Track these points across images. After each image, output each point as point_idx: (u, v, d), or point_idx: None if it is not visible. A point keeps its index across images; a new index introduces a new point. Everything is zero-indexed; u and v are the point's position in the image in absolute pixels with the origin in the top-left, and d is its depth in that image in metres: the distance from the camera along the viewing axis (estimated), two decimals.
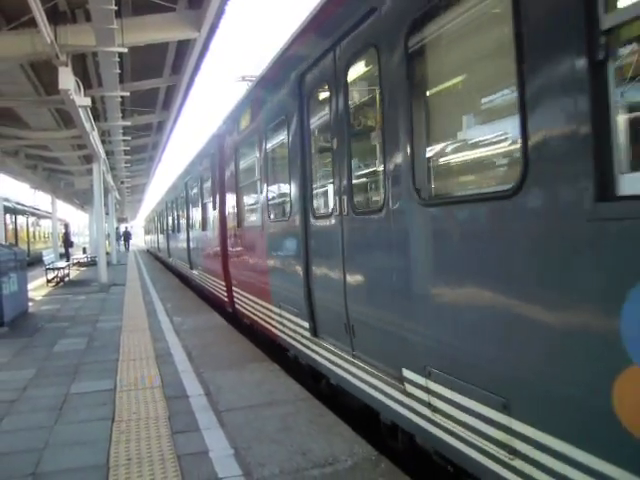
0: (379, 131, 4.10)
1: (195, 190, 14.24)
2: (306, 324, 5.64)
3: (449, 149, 3.63)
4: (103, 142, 19.26)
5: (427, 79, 3.59)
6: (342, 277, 4.64)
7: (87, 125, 14.26)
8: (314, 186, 5.49)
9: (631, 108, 2.36)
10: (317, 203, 5.46)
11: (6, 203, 26.92)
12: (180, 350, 7.74)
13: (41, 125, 18.80)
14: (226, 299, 10.31)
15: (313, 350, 5.60)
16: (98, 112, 17.13)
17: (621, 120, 2.23)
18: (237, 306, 9.50)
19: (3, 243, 14.71)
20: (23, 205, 35.66)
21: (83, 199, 40.15)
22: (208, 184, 11.90)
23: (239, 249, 8.95)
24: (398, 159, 3.67)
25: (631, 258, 2.05)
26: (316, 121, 5.41)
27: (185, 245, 16.51)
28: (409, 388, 3.63)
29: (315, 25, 5.15)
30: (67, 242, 30.54)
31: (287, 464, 3.86)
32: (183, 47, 13.39)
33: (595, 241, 2.20)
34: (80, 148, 21.58)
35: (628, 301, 2.04)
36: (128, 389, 5.89)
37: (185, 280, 18.19)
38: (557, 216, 2.38)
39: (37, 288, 17.49)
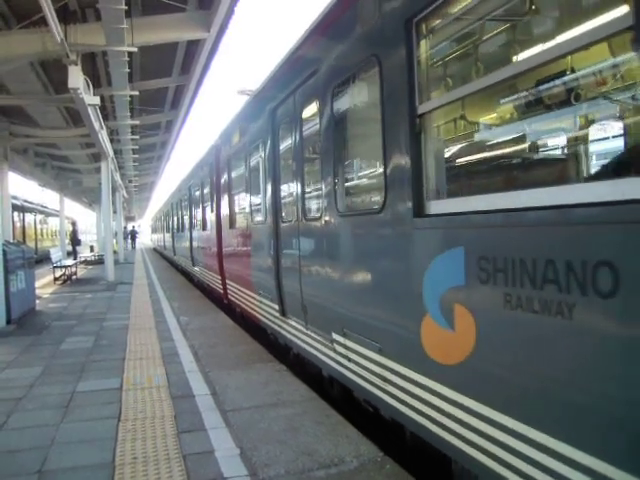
0: (318, 160, 5.45)
1: (197, 193, 15.67)
2: (277, 307, 6.99)
3: (350, 178, 5.46)
4: (112, 141, 19.37)
5: (342, 125, 5.04)
6: (298, 269, 6.01)
7: (96, 124, 14.33)
8: (282, 197, 6.94)
9: (437, 162, 3.63)
10: (284, 211, 6.84)
11: (14, 201, 27.08)
12: (186, 349, 7.75)
13: (50, 123, 18.94)
14: (222, 291, 11.75)
15: (282, 327, 7.01)
16: (107, 111, 17.22)
17: (430, 169, 3.53)
18: (230, 297, 10.93)
19: (11, 241, 14.78)
20: (31, 203, 35.86)
21: (91, 197, 40.43)
22: (207, 189, 13.41)
23: (231, 247, 10.36)
24: (329, 182, 5.06)
25: (428, 250, 3.50)
26: (283, 146, 6.87)
27: (188, 244, 17.92)
28: (337, 346, 5.01)
29: (282, 73, 6.69)
30: (75, 240, 30.65)
31: (293, 465, 3.86)
32: (192, 47, 13.44)
33: (415, 239, 3.66)
34: (89, 146, 21.70)
35: (425, 276, 3.45)
36: (134, 388, 5.90)
37: (188, 277, 19.04)
38: (398, 224, 3.83)
39: (44, 286, 17.58)
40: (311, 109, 5.67)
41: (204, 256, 14.42)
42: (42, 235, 39.19)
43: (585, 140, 4.73)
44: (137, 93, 14.44)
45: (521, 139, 4.97)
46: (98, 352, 7.76)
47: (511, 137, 5.11)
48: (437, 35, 3.80)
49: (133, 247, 53.16)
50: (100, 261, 25.63)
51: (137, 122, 17.86)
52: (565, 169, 4.79)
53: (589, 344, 2.33)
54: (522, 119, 4.64)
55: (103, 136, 16.34)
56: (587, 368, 2.36)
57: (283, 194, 6.93)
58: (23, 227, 31.98)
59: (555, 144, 5.13)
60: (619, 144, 4.28)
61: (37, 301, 12.60)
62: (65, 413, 5.14)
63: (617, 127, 4.46)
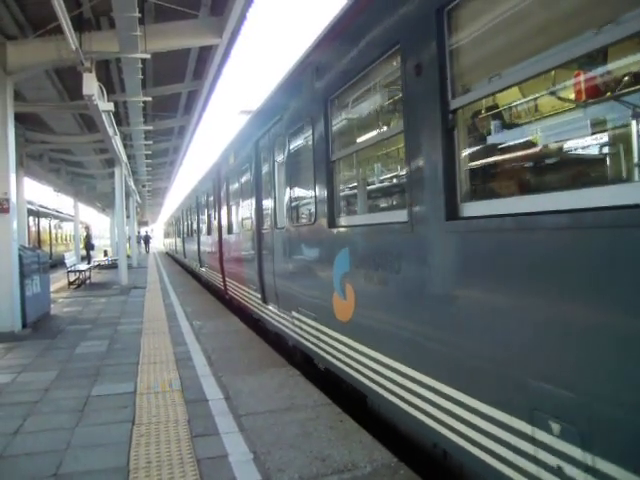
0: (275, 185, 7.97)
1: (203, 202, 17.83)
2: (259, 295, 8.93)
3: (297, 200, 7.10)
4: (125, 146, 19.52)
5: (293, 159, 7.05)
6: (272, 266, 7.93)
7: (110, 130, 14.45)
8: (262, 210, 8.98)
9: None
10: (263, 221, 8.84)
11: (29, 206, 27.38)
12: (200, 354, 7.79)
13: (65, 129, 19.13)
14: (222, 287, 13.78)
15: (263, 312, 8.94)
16: (120, 117, 17.36)
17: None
18: (229, 291, 12.91)
19: (27, 245, 14.95)
20: (46, 208, 36.23)
21: (105, 202, 40.73)
22: (211, 199, 15.53)
23: (228, 250, 12.47)
24: (273, 205, 7.88)
25: (333, 251, 5.36)
26: (263, 171, 8.89)
27: (196, 247, 19.96)
28: (295, 321, 6.92)
29: (261, 115, 8.66)
30: (88, 245, 30.94)
31: (306, 470, 3.86)
32: (205, 53, 13.51)
33: (326, 245, 5.67)
34: (102, 152, 21.86)
35: (333, 267, 5.24)
36: (148, 392, 5.94)
37: (200, 281, 20.57)
38: (321, 233, 5.94)
39: (59, 290, 17.76)
40: (279, 145, 7.60)
41: (209, 258, 16.38)
42: (57, 240, 39.58)
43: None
44: (150, 99, 14.53)
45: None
46: (112, 356, 7.83)
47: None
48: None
49: (147, 251, 55.69)
50: (114, 265, 25.83)
51: (150, 128, 17.95)
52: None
53: (401, 295, 4.13)
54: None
55: (117, 142, 16.49)
56: (401, 310, 4.16)
57: (263, 207, 8.95)
58: (38, 232, 32.33)
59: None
60: None
61: (52, 305, 12.74)
62: (80, 417, 5.19)
63: None
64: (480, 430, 3.13)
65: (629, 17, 2.30)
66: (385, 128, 4.97)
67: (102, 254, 38.78)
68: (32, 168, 23.14)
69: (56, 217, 39.77)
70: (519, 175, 3.73)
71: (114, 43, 10.19)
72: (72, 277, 19.21)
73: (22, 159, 17.77)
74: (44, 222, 35.01)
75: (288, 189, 7.12)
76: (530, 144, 3.76)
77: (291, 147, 6.99)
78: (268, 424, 4.81)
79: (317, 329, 6.03)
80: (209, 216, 16.01)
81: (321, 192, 5.69)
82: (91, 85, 10.84)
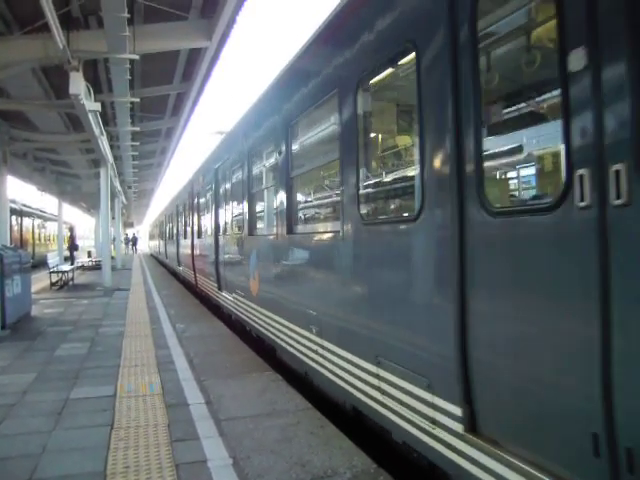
0: (222, 203, 11.31)
1: (181, 210, 20.75)
2: (216, 285, 11.60)
3: (229, 216, 10.58)
4: (111, 147, 19.38)
5: (236, 188, 9.90)
6: (223, 263, 10.79)
7: (96, 130, 14.35)
8: (218, 220, 11.72)
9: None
10: (219, 229, 11.62)
11: (12, 205, 27.03)
12: (182, 357, 7.73)
13: (50, 128, 18.94)
14: (194, 282, 16.63)
15: (219, 297, 11.57)
16: (107, 117, 17.24)
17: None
18: (198, 285, 15.57)
19: (8, 245, 14.73)
20: (29, 207, 35.80)
21: (90, 203, 40.30)
22: (187, 208, 18.33)
23: (198, 251, 15.34)
24: (224, 217, 11.05)
25: (249, 250, 8.56)
26: (222, 191, 11.55)
27: (175, 249, 22.80)
28: (235, 301, 9.39)
29: (219, 150, 11.95)
30: (72, 245, 30.53)
31: (286, 475, 3.83)
32: (194, 55, 13.50)
33: (246, 246, 8.96)
34: (88, 152, 21.69)
35: (250, 260, 8.28)
36: (128, 395, 5.87)
37: (181, 281, 21.81)
38: (240, 239, 9.34)
39: (41, 291, 17.53)
40: (225, 174, 10.97)
41: (184, 258, 19.28)
42: (40, 240, 39.10)
43: None
44: (138, 100, 14.45)
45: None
46: (93, 359, 7.73)
47: None
48: None
49: (135, 252, 56.88)
50: (97, 267, 25.57)
51: (138, 129, 17.85)
52: None
53: (283, 275, 6.70)
54: None
55: (103, 142, 16.36)
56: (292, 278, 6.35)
57: (218, 218, 11.76)
58: (21, 231, 31.91)
59: None
60: None
61: (33, 306, 12.55)
62: (58, 420, 5.11)
63: None
64: (334, 364, 4.95)
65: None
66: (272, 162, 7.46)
67: (86, 255, 38.31)
68: (16, 166, 22.87)
69: (40, 217, 39.30)
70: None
71: (102, 43, 10.13)
72: (54, 278, 18.96)
73: (5, 157, 17.55)
74: (27, 221, 34.57)
75: (230, 206, 10.50)
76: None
77: (231, 178, 10.33)
78: (249, 429, 4.77)
79: (247, 305, 8.65)
80: (185, 223, 19.00)
81: (244, 212, 8.80)
82: (78, 84, 10.77)
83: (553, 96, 2.99)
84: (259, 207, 8.58)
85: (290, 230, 6.26)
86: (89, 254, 37.59)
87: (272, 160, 7.26)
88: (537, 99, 3.63)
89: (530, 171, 3.79)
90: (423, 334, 3.50)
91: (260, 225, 8.47)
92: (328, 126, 5.52)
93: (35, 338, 9.37)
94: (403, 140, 4.97)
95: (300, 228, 6.30)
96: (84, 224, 65.52)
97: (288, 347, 6.38)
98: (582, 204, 2.30)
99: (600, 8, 2.21)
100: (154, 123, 20.40)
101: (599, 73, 2.22)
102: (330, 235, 5.23)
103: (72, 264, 24.79)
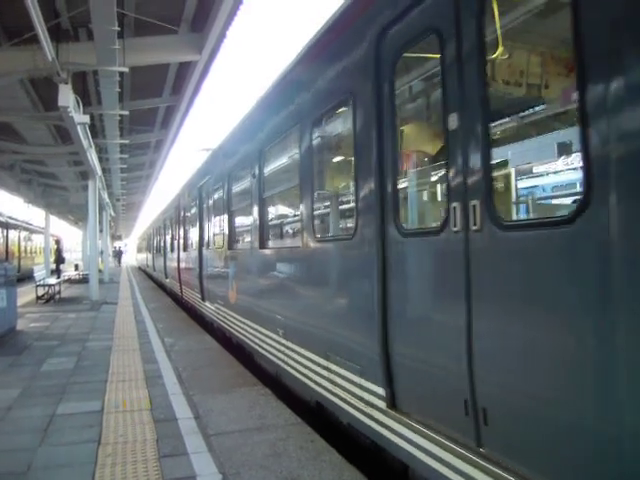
0: (205, 219, 12.18)
1: (168, 224, 21.28)
2: (200, 295, 12.49)
3: (212, 231, 11.36)
4: (100, 159, 19.30)
5: (217, 205, 10.80)
6: (206, 275, 11.67)
7: (85, 142, 14.30)
8: (203, 235, 12.30)
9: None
10: (203, 243, 12.29)
11: None
12: (170, 372, 7.65)
13: (38, 140, 18.84)
14: (180, 293, 17.37)
15: (202, 307, 12.40)
16: (96, 129, 17.19)
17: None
18: (184, 296, 16.25)
19: None
20: (15, 220, 35.45)
21: (77, 215, 40.06)
22: (174, 223, 18.90)
23: (183, 263, 16.19)
24: (208, 232, 11.74)
25: (231, 265, 9.29)
26: (205, 208, 12.27)
27: (162, 262, 23.55)
28: (217, 310, 10.29)
29: (201, 171, 12.92)
30: (59, 258, 30.22)
31: None
32: (184, 68, 13.54)
33: (227, 260, 9.71)
34: (76, 164, 21.62)
35: (230, 268, 9.17)
36: (116, 411, 5.79)
37: (170, 294, 21.52)
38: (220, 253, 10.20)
39: (26, 305, 17.30)
40: (208, 192, 11.68)
41: (171, 270, 19.92)
42: (26, 252, 38.66)
43: None
44: (127, 113, 14.44)
45: None
46: (80, 374, 7.63)
47: None
48: None
49: (119, 264, 57.79)
50: (85, 280, 25.33)
51: (126, 141, 17.83)
52: None
53: (254, 286, 7.51)
54: None
55: (92, 154, 16.29)
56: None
57: (203, 233, 12.37)
58: (6, 244, 31.55)
59: None
60: None
61: (18, 320, 12.36)
62: (44, 437, 5.02)
63: None
64: (297, 362, 5.65)
65: None
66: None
67: (73, 268, 37.93)
68: (2, 178, 22.73)
69: (26, 229, 38.91)
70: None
71: (92, 55, 10.12)
72: (41, 291, 18.73)
73: None
74: (13, 234, 34.19)
75: (212, 222, 11.24)
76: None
77: (213, 196, 11.06)
78: (238, 444, 4.72)
79: (227, 313, 9.40)
80: (172, 237, 19.58)
81: (224, 228, 9.64)
82: (67, 97, 10.74)
83: (442, 148, 3.69)
84: (237, 224, 9.36)
85: (262, 245, 7.15)
86: (76, 267, 37.22)
87: (247, 182, 7.93)
88: (433, 150, 4.44)
89: (428, 203, 4.75)
90: (358, 332, 4.30)
91: (238, 240, 9.24)
92: (292, 155, 6.20)
93: (21, 353, 9.23)
94: (345, 174, 5.48)
95: (270, 244, 7.32)
96: (71, 237, 65.10)
97: (262, 350, 7.10)
98: (455, 229, 3.11)
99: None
100: (143, 136, 20.37)
101: (468, 132, 3.04)
102: (292, 250, 6.10)
103: (58, 277, 24.54)
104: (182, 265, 16.29)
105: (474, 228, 2.95)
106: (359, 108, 4.22)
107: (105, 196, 26.02)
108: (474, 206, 2.95)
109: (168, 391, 6.58)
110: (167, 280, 21.66)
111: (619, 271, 2.18)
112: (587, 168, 2.32)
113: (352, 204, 4.54)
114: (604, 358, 2.26)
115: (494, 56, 3.60)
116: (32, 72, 11.08)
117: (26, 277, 26.24)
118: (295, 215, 6.56)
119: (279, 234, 8.09)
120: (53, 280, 21.01)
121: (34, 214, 39.96)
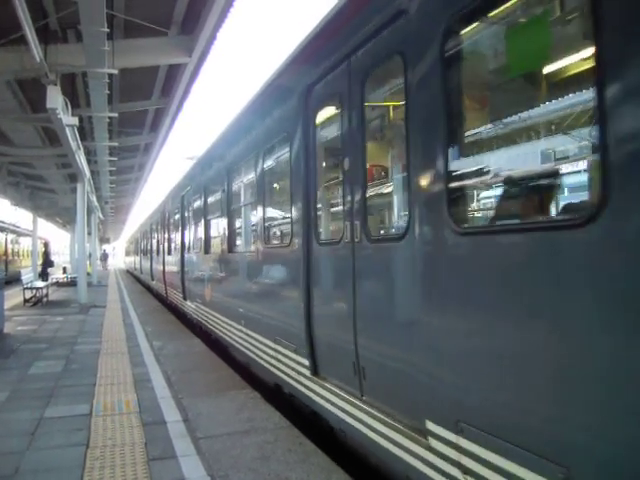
0: (186, 225, 13.54)
1: (154, 229, 22.63)
2: (181, 295, 13.63)
3: (191, 237, 12.80)
4: (89, 161, 19.16)
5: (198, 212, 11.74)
6: (187, 276, 12.94)
7: (73, 144, 14.19)
8: (186, 240, 13.36)
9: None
10: (185, 247, 13.53)
11: None
12: (159, 375, 7.62)
13: (25, 142, 18.64)
14: (164, 294, 18.53)
15: (184, 306, 13.50)
16: (85, 131, 17.07)
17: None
18: (169, 297, 17.33)
19: None
20: (2, 222, 35.10)
21: (65, 218, 39.72)
22: (160, 227, 20.13)
23: (168, 266, 17.12)
24: (188, 237, 13.10)
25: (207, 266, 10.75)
26: (186, 215, 13.44)
27: (149, 265, 24.63)
28: (197, 309, 11.54)
29: (183, 181, 14.08)
30: (47, 261, 29.91)
31: None
32: (173, 71, 13.49)
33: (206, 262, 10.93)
34: (65, 167, 21.44)
35: (207, 271, 10.65)
36: (104, 414, 5.76)
37: (158, 297, 21.42)
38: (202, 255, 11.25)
39: (14, 308, 17.14)
40: (190, 201, 12.74)
41: (157, 272, 20.96)
42: (13, 255, 38.27)
43: None
44: (116, 115, 14.36)
45: None
46: (68, 377, 7.58)
47: None
48: None
49: (105, 268, 56.75)
50: (73, 283, 25.12)
51: (116, 144, 17.70)
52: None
53: (225, 285, 9.02)
54: None
55: (80, 157, 16.17)
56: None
57: (185, 239, 13.57)
58: None
59: None
60: None
61: (5, 323, 12.25)
62: (31, 440, 4.99)
63: None
64: (257, 347, 6.79)
65: None
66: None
67: (61, 271, 37.58)
68: None
69: (13, 232, 38.52)
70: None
71: (81, 56, 10.06)
72: (28, 294, 18.57)
73: None
74: (0, 237, 33.85)
75: (193, 229, 12.39)
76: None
77: (193, 205, 12.32)
78: (226, 447, 4.72)
79: (206, 311, 10.45)
80: (158, 241, 20.78)
81: (202, 234, 10.96)
82: (55, 98, 10.67)
83: (340, 181, 4.66)
84: (212, 230, 10.53)
85: (230, 250, 8.59)
86: (64, 270, 36.89)
87: (219, 195, 9.39)
88: (337, 182, 5.20)
89: (334, 222, 5.70)
90: (293, 319, 5.44)
91: (212, 245, 10.44)
92: (250, 176, 7.48)
93: (8, 356, 9.15)
94: (285, 196, 6.23)
95: (236, 248, 8.54)
96: (60, 240, 64.59)
97: (232, 341, 8.24)
98: (346, 240, 4.34)
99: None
100: (132, 138, 20.24)
101: (353, 173, 4.26)
102: (250, 254, 7.42)
103: (44, 280, 24.33)
104: (167, 268, 17.41)
105: (356, 240, 4.18)
106: (293, 145, 5.45)
107: (94, 199, 25.83)
108: (356, 225, 4.17)
109: (157, 394, 6.56)
110: (153, 282, 22.71)
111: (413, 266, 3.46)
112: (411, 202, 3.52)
113: (289, 219, 5.72)
114: (421, 316, 3.37)
115: (372, 117, 4.79)
116: (19, 73, 11.00)
117: (14, 280, 25.97)
118: (253, 225, 7.40)
119: (242, 241, 8.44)
120: (41, 283, 20.84)
121: (22, 217, 39.64)
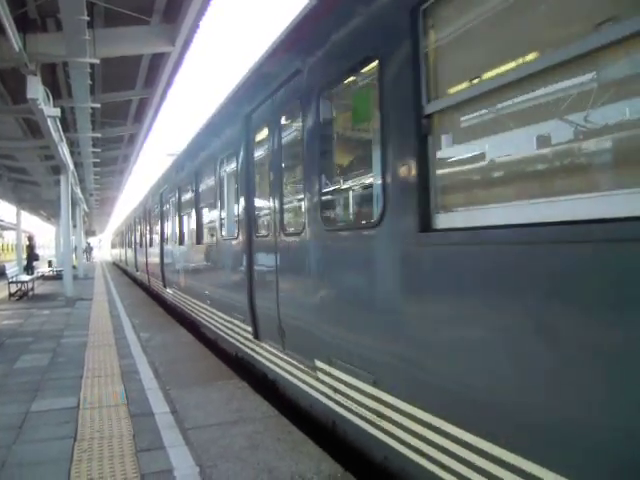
0: (165, 219, 15.03)
1: (137, 222, 23.88)
2: (162, 283, 15.05)
3: (171, 229, 14.04)
4: (72, 153, 18.91)
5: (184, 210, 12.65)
6: (167, 266, 14.42)
7: (56, 136, 14.00)
8: (165, 233, 14.79)
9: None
10: (164, 239, 14.87)
11: None
12: (146, 366, 7.60)
13: (6, 134, 18.32)
14: (147, 283, 20.05)
15: (164, 294, 15.12)
16: (67, 122, 16.83)
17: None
18: (151, 285, 18.77)
19: None
20: None
21: (50, 211, 39.25)
22: (142, 220, 21.42)
23: (150, 257, 18.45)
24: (167, 229, 14.64)
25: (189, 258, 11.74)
26: (165, 210, 14.95)
27: (133, 256, 26.10)
28: (176, 296, 13.11)
29: (161, 180, 16.04)
30: (32, 255, 29.58)
31: None
32: (157, 60, 13.31)
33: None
34: (48, 158, 21.13)
35: (182, 260, 12.30)
36: (91, 406, 5.74)
37: (145, 289, 21.56)
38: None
39: None
40: (168, 198, 14.23)
41: (140, 264, 22.49)
42: None
43: None
44: (99, 106, 14.15)
45: None
46: (54, 370, 7.54)
47: None
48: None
49: (88, 259, 57.53)
50: (59, 276, 24.90)
51: (99, 135, 17.45)
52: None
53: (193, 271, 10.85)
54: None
55: (63, 148, 15.96)
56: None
57: (163, 231, 14.99)
58: None
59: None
60: None
61: None
62: (18, 434, 4.96)
63: None
64: (220, 323, 8.28)
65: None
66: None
67: (47, 265, 37.21)
68: None
69: None
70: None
71: (61, 46, 9.88)
72: (13, 288, 18.38)
73: None
74: None
75: (169, 223, 13.83)
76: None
77: (170, 201, 13.76)
78: (215, 437, 4.73)
79: (181, 296, 11.99)
80: (141, 233, 22.13)
81: (177, 227, 12.48)
82: (36, 89, 10.50)
83: (269, 192, 6.07)
84: (184, 224, 12.13)
85: (198, 241, 10.06)
86: (50, 263, 36.55)
87: (189, 194, 11.16)
88: (270, 192, 6.11)
89: (265, 221, 6.45)
90: (241, 295, 6.83)
91: (184, 237, 12.10)
92: (211, 179, 8.91)
93: None
94: (235, 198, 7.46)
95: (203, 240, 9.87)
96: (45, 233, 63.89)
97: (203, 321, 9.70)
98: (271, 234, 5.82)
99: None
100: (116, 129, 19.98)
101: (277, 186, 5.82)
102: (211, 245, 9.00)
103: (28, 274, 24.09)
104: (149, 259, 18.98)
105: (277, 234, 5.63)
106: (240, 157, 6.92)
107: (78, 191, 25.55)
108: (275, 222, 5.68)
109: (144, 386, 6.55)
110: (138, 273, 24.30)
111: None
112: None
113: (237, 217, 7.23)
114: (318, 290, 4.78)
115: (287, 142, 5.73)
116: None
117: None
118: (212, 221, 9.05)
119: (207, 234, 9.75)
120: (26, 277, 20.63)
121: (5, 210, 39.14)
